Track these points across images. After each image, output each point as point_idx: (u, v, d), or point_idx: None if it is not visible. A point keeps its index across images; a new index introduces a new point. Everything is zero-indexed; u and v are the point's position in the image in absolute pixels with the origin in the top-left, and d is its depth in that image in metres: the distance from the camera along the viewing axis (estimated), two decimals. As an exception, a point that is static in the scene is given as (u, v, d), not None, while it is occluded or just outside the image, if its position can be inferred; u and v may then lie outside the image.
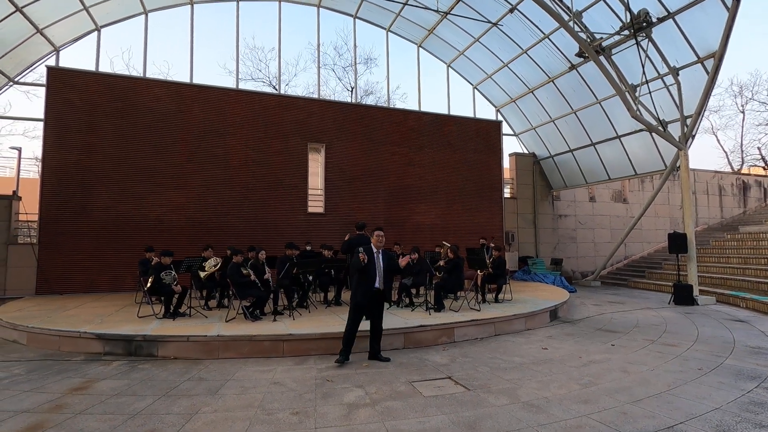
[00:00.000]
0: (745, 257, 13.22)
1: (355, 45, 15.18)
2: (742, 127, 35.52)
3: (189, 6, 12.85)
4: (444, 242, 9.11)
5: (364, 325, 5.51)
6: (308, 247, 10.25)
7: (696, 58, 10.30)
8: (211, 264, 7.87)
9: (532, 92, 14.88)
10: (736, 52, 40.63)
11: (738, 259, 13.36)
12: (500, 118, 16.54)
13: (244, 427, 3.55)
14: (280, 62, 14.00)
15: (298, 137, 12.85)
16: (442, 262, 8.22)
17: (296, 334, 5.88)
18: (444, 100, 15.37)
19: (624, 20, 10.29)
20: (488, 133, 15.55)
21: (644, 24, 9.97)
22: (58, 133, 10.70)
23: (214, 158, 11.93)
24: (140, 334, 5.85)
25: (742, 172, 26.67)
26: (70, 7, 10.78)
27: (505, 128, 16.45)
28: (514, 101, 15.77)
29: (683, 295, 10.24)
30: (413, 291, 8.73)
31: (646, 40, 10.38)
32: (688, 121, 10.93)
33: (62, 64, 11.55)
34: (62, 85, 10.85)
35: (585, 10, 10.71)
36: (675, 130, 11.27)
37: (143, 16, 12.36)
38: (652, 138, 12.49)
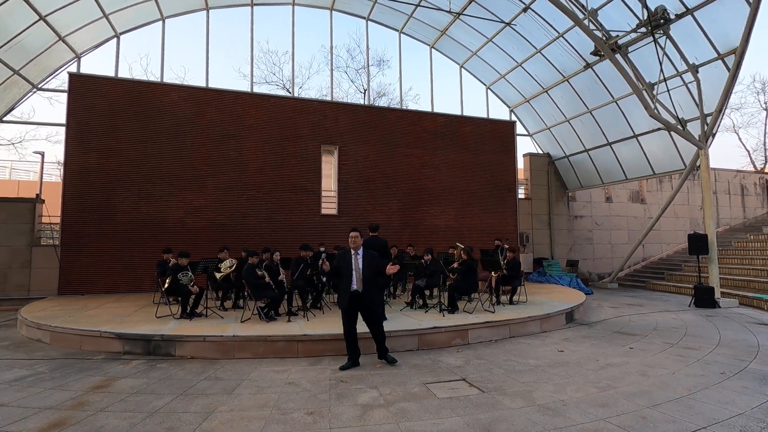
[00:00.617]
0: (769, 259, 12.83)
1: (367, 47, 15.25)
2: (765, 124, 34.36)
3: (204, 11, 13.07)
4: (457, 243, 9.07)
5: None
6: (322, 249, 10.31)
7: (716, 55, 10.06)
8: (227, 265, 7.98)
9: (546, 92, 14.72)
10: (759, 47, 39.53)
11: (762, 260, 12.97)
12: (514, 118, 16.41)
13: (259, 426, 3.58)
14: (294, 65, 14.15)
15: (311, 139, 12.95)
16: (456, 264, 8.17)
17: (310, 335, 5.91)
18: (457, 101, 15.33)
19: (641, 17, 10.11)
20: (502, 133, 15.43)
21: (662, 21, 9.78)
22: (79, 137, 10.99)
23: (229, 161, 12.11)
24: (158, 333, 5.96)
25: (766, 170, 25.90)
26: (90, 15, 11.07)
27: (519, 128, 16.31)
28: (528, 101, 15.62)
29: (704, 298, 9.98)
30: (427, 292, 8.70)
31: (664, 37, 10.18)
32: (709, 119, 10.67)
33: (83, 70, 11.87)
34: (83, 90, 11.15)
35: (600, 8, 10.57)
36: (695, 128, 11.01)
37: (160, 22, 12.63)
38: (671, 137, 12.23)
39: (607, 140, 14.18)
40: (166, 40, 12.63)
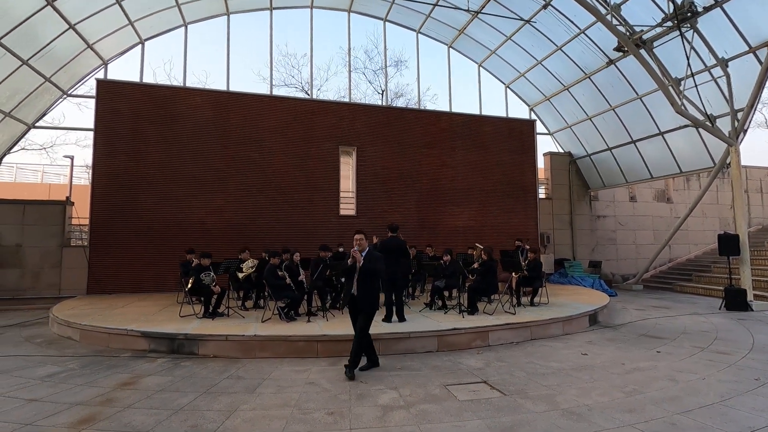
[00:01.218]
0: (805, 260, 12.27)
1: (385, 48, 15.26)
2: (800, 120, 33.01)
3: (225, 17, 13.32)
4: (477, 244, 8.98)
5: (392, 327, 5.49)
6: (341, 249, 10.36)
7: (747, 48, 9.68)
8: (249, 266, 8.10)
9: (567, 89, 14.44)
10: (792, 39, 37.82)
11: (798, 261, 12.42)
12: (534, 117, 16.15)
13: (281, 425, 3.62)
14: (312, 67, 14.28)
15: (329, 141, 13.03)
16: (476, 264, 8.09)
17: (330, 335, 5.95)
18: (475, 101, 15.19)
19: (666, 11, 9.80)
20: (522, 132, 15.21)
21: (689, 14, 9.46)
22: (106, 141, 11.34)
23: (250, 163, 12.29)
24: (182, 332, 6.09)
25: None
26: (117, 23, 11.42)
27: (539, 127, 16.05)
28: (548, 99, 15.35)
29: (736, 300, 9.62)
30: (446, 293, 8.64)
31: (691, 30, 9.85)
32: (739, 115, 10.28)
33: (110, 76, 12.25)
34: (110, 96, 11.51)
35: (624, 2, 10.30)
36: (724, 125, 10.61)
37: (183, 28, 12.93)
38: (699, 134, 11.83)
39: (631, 138, 13.81)
40: (189, 45, 12.93)
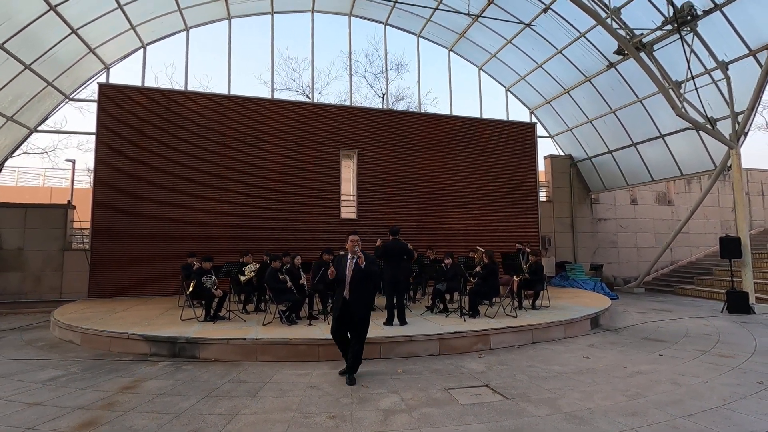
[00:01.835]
0: (807, 262, 12.23)
1: (386, 52, 15.31)
2: (801, 122, 32.98)
3: (227, 21, 13.38)
4: (478, 247, 8.97)
5: (394, 330, 5.48)
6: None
7: (747, 51, 9.71)
8: (251, 269, 8.10)
9: (567, 92, 14.47)
10: (792, 42, 37.84)
11: (800, 264, 12.38)
12: (534, 120, 16.18)
13: (283, 429, 3.61)
14: (313, 71, 14.32)
15: (330, 144, 13.06)
16: (478, 268, 8.08)
17: (331, 339, 5.91)
18: (476, 104, 15.22)
19: (666, 15, 9.85)
20: (522, 135, 15.23)
21: (689, 18, 9.49)
22: (108, 145, 11.38)
23: (252, 166, 12.32)
24: (183, 336, 6.08)
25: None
26: (119, 27, 11.48)
27: (540, 130, 16.07)
28: (548, 102, 15.38)
29: (738, 303, 9.59)
30: (447, 296, 8.63)
31: (691, 34, 9.88)
32: (740, 117, 10.29)
33: (112, 80, 12.29)
34: (112, 100, 11.55)
35: (624, 6, 10.34)
36: (725, 127, 10.62)
37: (184, 32, 12.98)
38: (699, 136, 11.84)
39: (632, 141, 13.82)
40: (190, 49, 12.98)
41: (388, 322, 6.76)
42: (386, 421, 3.78)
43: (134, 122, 11.62)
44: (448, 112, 14.83)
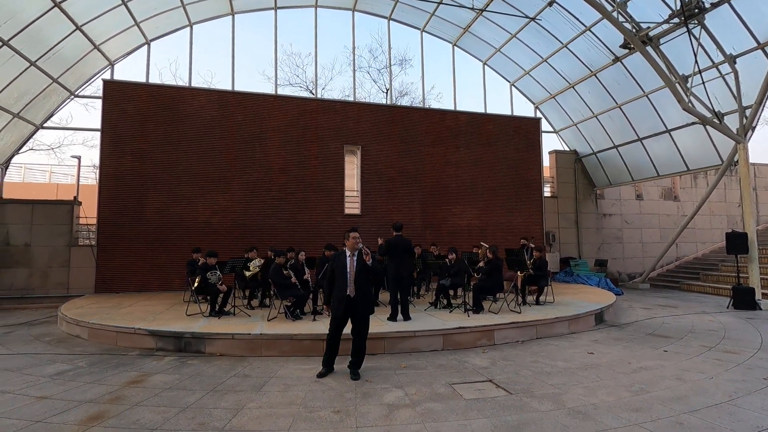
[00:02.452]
0: (815, 258, 12.12)
1: (389, 47, 15.24)
2: (810, 116, 32.55)
3: (230, 17, 13.36)
4: (482, 243, 8.96)
5: (397, 326, 5.49)
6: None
7: (756, 44, 9.57)
8: (256, 264, 8.14)
9: (572, 87, 14.35)
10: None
11: (807, 260, 12.26)
12: (539, 115, 16.07)
13: (287, 423, 3.64)
14: (317, 67, 14.28)
15: (334, 140, 13.05)
16: (481, 263, 8.08)
17: (336, 334, 5.95)
18: (480, 99, 15.18)
19: (673, 7, 9.73)
20: (527, 130, 15.15)
21: (696, 10, 9.38)
22: (113, 141, 11.43)
23: (254, 162, 12.34)
24: (189, 331, 6.13)
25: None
26: (123, 23, 11.49)
27: (545, 125, 15.97)
28: (553, 97, 15.27)
29: (744, 299, 9.53)
30: (451, 292, 8.64)
31: (698, 27, 9.76)
32: (748, 111, 10.17)
33: (116, 76, 12.32)
34: (117, 96, 11.59)
35: (630, -1, 10.22)
36: (732, 122, 10.52)
37: (188, 28, 12.99)
38: (706, 131, 11.72)
39: (638, 136, 13.71)
40: (194, 45, 12.99)
41: (392, 317, 6.78)
42: (390, 415, 3.80)
43: (139, 118, 11.65)
44: (453, 108, 14.77)
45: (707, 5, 9.45)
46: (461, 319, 6.91)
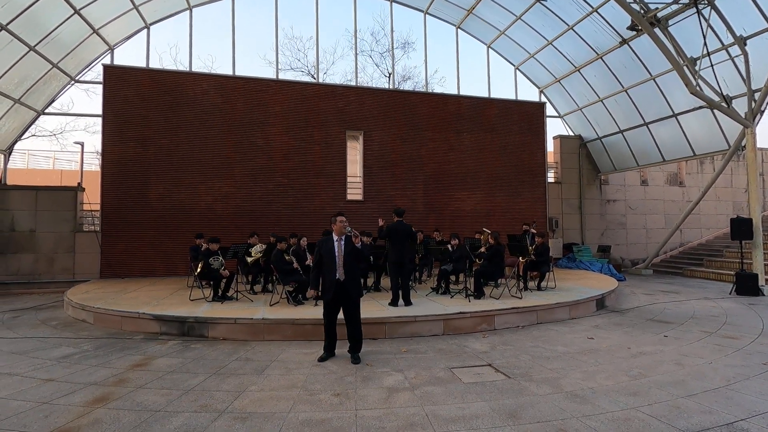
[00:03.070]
0: (821, 244, 12.00)
1: (392, 29, 14.99)
2: (821, 100, 31.92)
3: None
4: (484, 228, 8.95)
5: (398, 311, 5.52)
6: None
7: (767, 25, 9.33)
8: (257, 250, 8.19)
9: (578, 70, 14.11)
10: (816, 16, 36.31)
11: (812, 246, 12.16)
12: (544, 99, 15.86)
13: (288, 405, 3.70)
14: (318, 51, 14.09)
15: (336, 125, 12.96)
16: (483, 249, 8.08)
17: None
18: (484, 83, 14.95)
19: (683, -13, 9.47)
20: (531, 115, 14.97)
21: (706, -10, 9.13)
22: (115, 127, 11.41)
23: (257, 148, 12.30)
24: (192, 316, 6.21)
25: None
26: (122, 7, 11.35)
27: (549, 110, 15.77)
28: (558, 81, 15.04)
29: (747, 285, 9.51)
30: (453, 278, 8.66)
31: (708, 7, 9.51)
32: (757, 95, 9.98)
33: (116, 61, 12.23)
34: (118, 81, 11.52)
35: (638, -22, 9.95)
36: (740, 106, 10.32)
37: (188, 11, 12.80)
38: (714, 115, 11.53)
39: (644, 120, 13.52)
40: (194, 29, 12.83)
41: (393, 302, 6.82)
42: (389, 398, 3.85)
43: (140, 104, 11.60)
44: (456, 92, 14.58)
45: (718, -15, 9.19)
46: (462, 304, 6.94)
